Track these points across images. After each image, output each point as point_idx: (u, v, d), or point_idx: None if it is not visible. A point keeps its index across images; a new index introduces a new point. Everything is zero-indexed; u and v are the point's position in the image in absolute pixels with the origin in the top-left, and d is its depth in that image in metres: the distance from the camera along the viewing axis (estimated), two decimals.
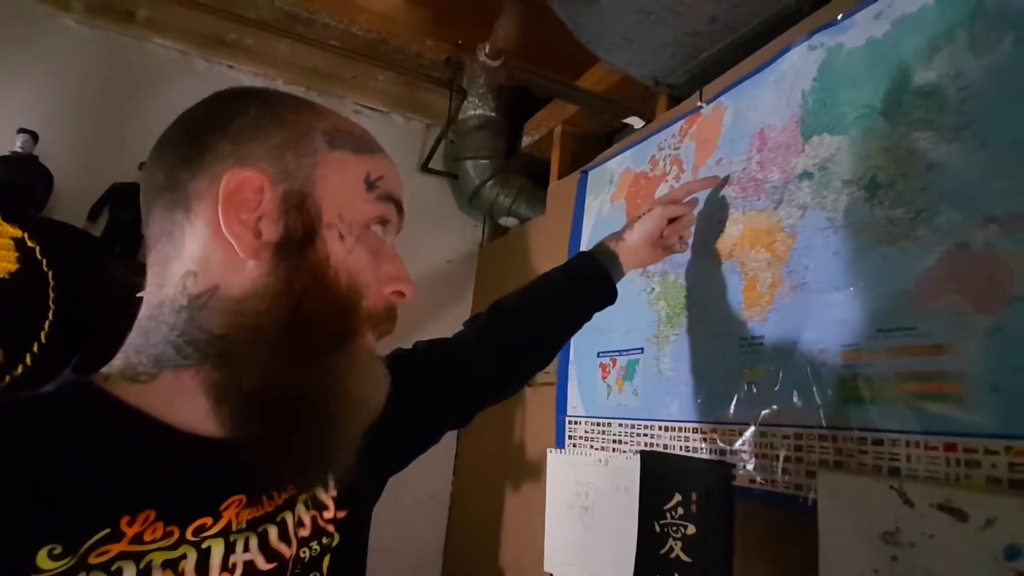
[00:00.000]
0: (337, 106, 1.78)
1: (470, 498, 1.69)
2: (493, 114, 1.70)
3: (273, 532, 0.45)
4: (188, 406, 0.42)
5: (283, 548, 0.45)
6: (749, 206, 0.88)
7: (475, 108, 1.70)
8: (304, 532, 0.48)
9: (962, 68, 0.65)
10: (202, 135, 0.45)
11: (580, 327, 0.86)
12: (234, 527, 0.43)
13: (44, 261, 1.06)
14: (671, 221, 0.91)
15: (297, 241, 0.43)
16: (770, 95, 0.89)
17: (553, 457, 1.16)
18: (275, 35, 1.63)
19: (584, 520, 1.07)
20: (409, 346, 0.76)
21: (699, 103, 1.02)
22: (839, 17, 0.80)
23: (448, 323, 1.79)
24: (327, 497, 0.51)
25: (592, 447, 1.11)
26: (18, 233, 1.06)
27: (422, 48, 1.65)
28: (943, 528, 0.56)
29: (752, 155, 0.89)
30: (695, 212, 0.96)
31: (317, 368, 0.44)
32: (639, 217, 0.90)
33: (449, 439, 1.78)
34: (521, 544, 1.34)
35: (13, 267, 1.06)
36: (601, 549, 1.02)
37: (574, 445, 1.17)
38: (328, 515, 0.50)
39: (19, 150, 1.11)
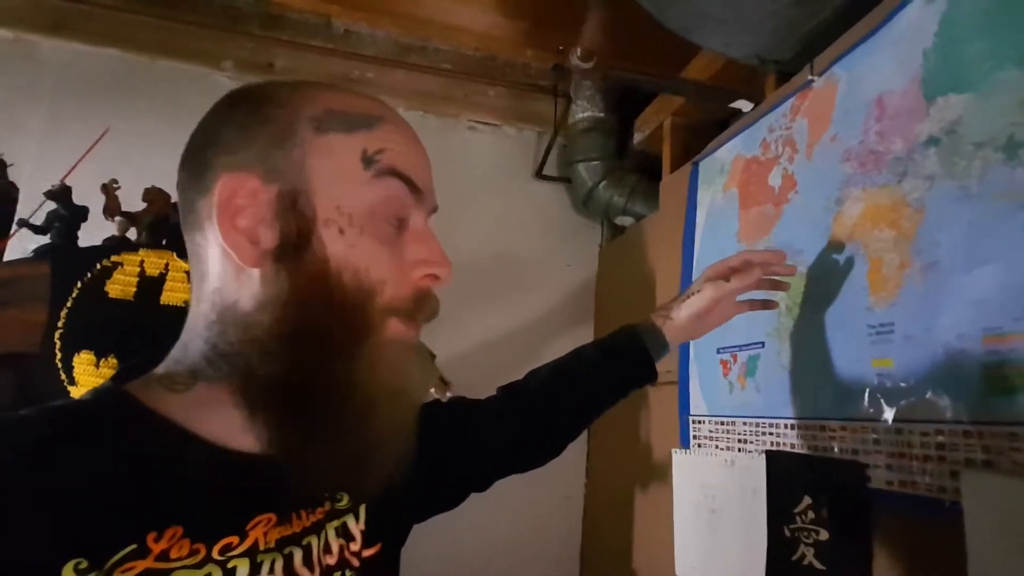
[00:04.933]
0: (452, 125, 1.89)
1: (602, 499, 1.69)
2: (602, 115, 1.69)
3: (298, 555, 0.43)
4: (221, 419, 0.42)
5: (305, 573, 0.43)
6: (869, 181, 0.81)
7: (584, 111, 1.70)
8: (330, 560, 0.46)
9: None
10: (200, 153, 0.44)
11: (616, 402, 0.82)
12: (261, 546, 0.41)
13: None
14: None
15: (292, 245, 0.41)
16: (887, 59, 0.81)
17: (678, 458, 1.13)
18: (392, 66, 1.75)
19: (711, 523, 1.03)
20: (534, 353, 0.74)
21: (810, 76, 0.95)
22: None
23: (571, 328, 1.82)
24: (356, 528, 0.49)
25: (717, 447, 1.07)
26: (188, 267, 1.24)
27: (526, 59, 1.69)
28: None
29: (870, 126, 0.82)
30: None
31: (333, 373, 0.42)
32: (689, 296, 0.83)
33: (580, 440, 1.79)
34: (654, 546, 1.32)
35: (188, 296, 1.23)
36: (730, 554, 0.97)
37: (699, 445, 1.13)
38: (355, 547, 0.48)
39: None
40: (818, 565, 0.78)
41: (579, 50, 0.99)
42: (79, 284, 1.20)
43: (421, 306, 0.46)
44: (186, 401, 0.42)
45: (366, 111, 0.46)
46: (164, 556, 0.37)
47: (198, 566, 0.38)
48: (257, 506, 0.42)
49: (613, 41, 1.14)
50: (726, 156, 1.17)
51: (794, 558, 0.81)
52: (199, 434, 0.41)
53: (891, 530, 0.71)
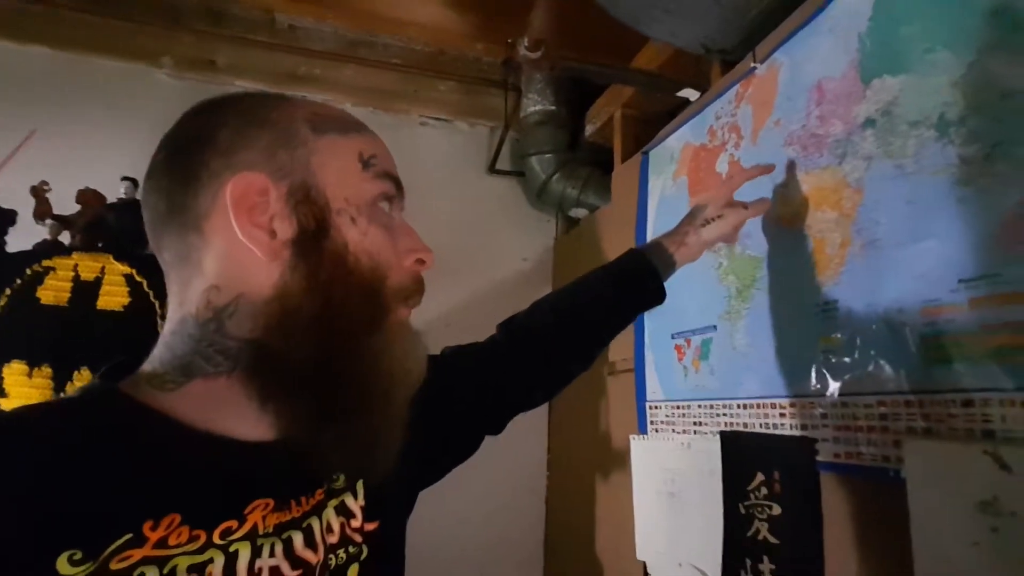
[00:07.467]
0: (403, 120, 1.86)
1: (565, 490, 1.69)
2: (554, 108, 1.69)
3: (298, 538, 0.44)
4: (221, 412, 0.43)
5: (309, 555, 0.44)
6: (812, 164, 0.83)
7: (535, 104, 1.70)
8: (332, 539, 0.46)
9: None
10: (191, 155, 0.44)
11: (624, 327, 0.83)
12: (260, 531, 0.42)
13: (151, 293, 1.18)
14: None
15: (312, 233, 0.44)
16: (825, 44, 0.83)
17: (636, 444, 1.14)
18: (341, 62, 1.71)
19: (672, 506, 1.04)
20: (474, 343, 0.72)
21: (753, 64, 0.97)
22: None
23: None
24: (355, 505, 0.50)
25: (674, 431, 1.08)
26: (128, 270, 1.19)
27: (476, 53, 1.68)
28: None
29: (811, 110, 0.84)
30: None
31: (355, 352, 0.44)
32: (706, 221, 0.84)
33: (540, 434, 1.79)
34: (616, 533, 1.33)
35: (126, 300, 1.18)
36: (691, 535, 0.98)
37: (656, 430, 1.14)
38: (356, 524, 0.49)
39: (123, 196, 1.24)
40: (772, 539, 0.80)
41: (527, 40, 0.98)
42: (8, 291, 1.14)
43: (419, 288, 0.50)
44: (179, 397, 0.42)
45: (350, 119, 0.50)
46: (162, 543, 0.37)
47: (200, 551, 0.39)
48: (254, 490, 0.43)
49: (561, 33, 1.14)
50: (675, 144, 1.18)
51: (749, 534, 0.83)
52: (194, 425, 0.42)
53: (840, 501, 0.73)
